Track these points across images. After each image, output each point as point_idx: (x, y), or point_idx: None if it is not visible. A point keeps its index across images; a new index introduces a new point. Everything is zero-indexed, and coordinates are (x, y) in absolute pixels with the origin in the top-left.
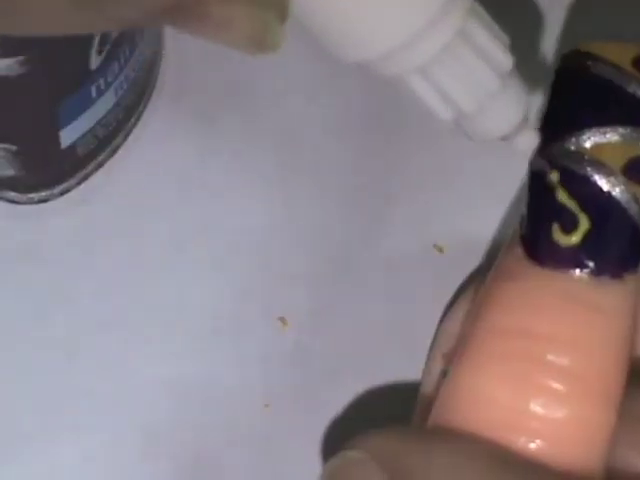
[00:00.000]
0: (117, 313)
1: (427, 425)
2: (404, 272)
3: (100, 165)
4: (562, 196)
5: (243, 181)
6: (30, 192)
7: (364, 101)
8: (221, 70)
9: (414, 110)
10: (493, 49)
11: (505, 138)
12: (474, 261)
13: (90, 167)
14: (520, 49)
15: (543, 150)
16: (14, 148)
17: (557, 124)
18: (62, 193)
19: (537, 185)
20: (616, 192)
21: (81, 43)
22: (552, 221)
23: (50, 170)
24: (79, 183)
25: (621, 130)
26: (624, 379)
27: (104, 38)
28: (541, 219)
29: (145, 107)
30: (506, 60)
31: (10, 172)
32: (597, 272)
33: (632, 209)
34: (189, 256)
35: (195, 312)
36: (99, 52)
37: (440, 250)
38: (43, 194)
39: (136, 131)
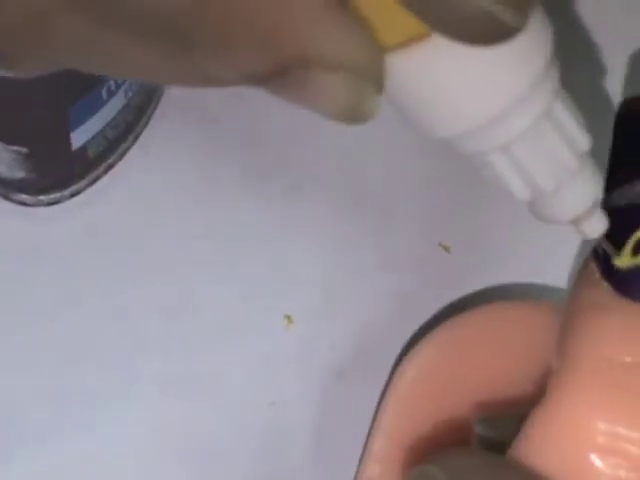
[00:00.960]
0: (118, 313)
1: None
2: (410, 271)
3: (110, 167)
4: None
5: (244, 181)
6: (40, 194)
7: None
8: None
9: None
10: (575, 130)
11: (575, 221)
12: (480, 260)
13: (100, 169)
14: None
15: (610, 195)
16: (25, 150)
17: (622, 168)
18: (72, 195)
19: (618, 222)
20: None
21: None
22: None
23: (60, 172)
24: (89, 185)
25: None
26: None
27: None
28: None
29: (154, 109)
30: (585, 141)
31: (21, 174)
32: None
33: None
34: (193, 255)
35: (200, 310)
36: None
37: (446, 249)
38: (53, 196)
39: (145, 133)
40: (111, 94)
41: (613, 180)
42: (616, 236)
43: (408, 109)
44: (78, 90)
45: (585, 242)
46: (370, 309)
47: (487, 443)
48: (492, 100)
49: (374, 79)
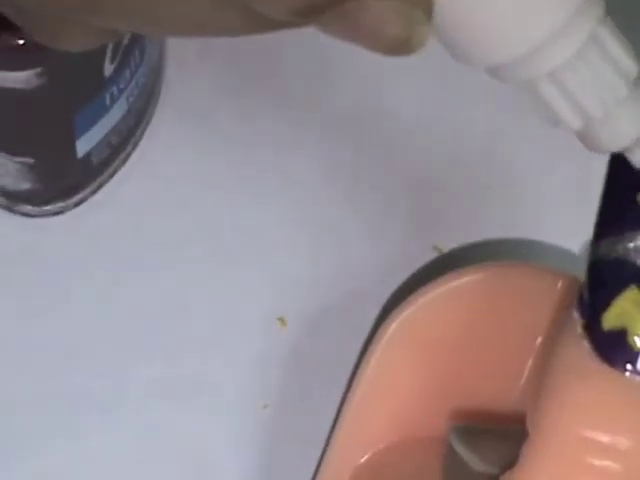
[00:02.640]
0: (117, 314)
1: None
2: (403, 275)
3: (113, 173)
4: (634, 295)
5: (243, 182)
6: (46, 204)
7: (364, 102)
8: (222, 71)
9: (413, 111)
10: (622, 56)
11: (627, 149)
12: (473, 262)
13: (104, 176)
14: None
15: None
16: (31, 161)
17: (613, 216)
18: (77, 204)
19: (605, 277)
20: None
21: (95, 51)
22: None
23: (66, 181)
24: (93, 193)
25: None
26: None
27: (117, 45)
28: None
29: (153, 112)
30: (633, 67)
31: (26, 185)
32: None
33: None
34: (188, 257)
35: (194, 313)
36: (112, 59)
37: (440, 251)
38: (58, 205)
39: (145, 137)
40: (114, 100)
41: (603, 227)
42: (601, 293)
43: (456, 39)
44: (83, 98)
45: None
46: (364, 312)
47: (455, 457)
48: (538, 26)
49: (424, 6)
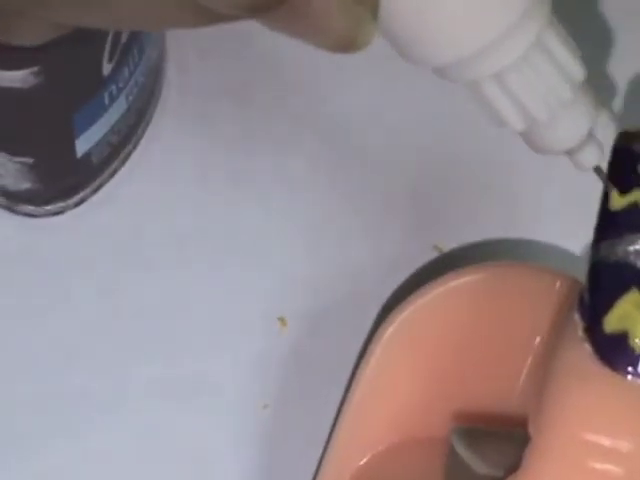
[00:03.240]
0: (117, 314)
1: None
2: (404, 275)
3: (113, 173)
4: (636, 298)
5: (243, 182)
6: (46, 204)
7: (364, 102)
8: (222, 71)
9: (413, 112)
10: (568, 59)
11: (570, 152)
12: (473, 262)
13: (104, 175)
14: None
15: (598, 246)
16: (31, 161)
17: (612, 218)
18: (77, 204)
19: (606, 280)
20: None
21: (93, 50)
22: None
23: (66, 181)
24: (94, 192)
25: None
26: None
27: (114, 44)
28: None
29: (153, 112)
30: (579, 71)
31: (26, 185)
32: None
33: None
34: (189, 257)
35: (194, 313)
36: (110, 58)
37: (440, 251)
38: (59, 205)
39: (145, 137)
40: (113, 99)
41: (602, 229)
42: (602, 295)
43: (402, 39)
44: (81, 97)
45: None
46: (365, 311)
47: (457, 459)
48: (484, 28)
49: (370, 4)
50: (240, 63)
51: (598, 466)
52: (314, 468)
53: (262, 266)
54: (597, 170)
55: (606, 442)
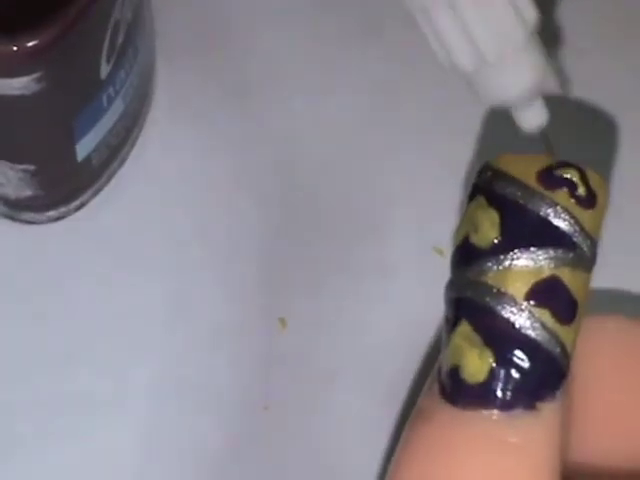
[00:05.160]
0: (117, 314)
1: None
2: (403, 275)
3: (112, 175)
4: (466, 330)
5: (243, 181)
6: (48, 210)
7: (363, 101)
8: (216, 72)
9: (414, 115)
10: (525, 2)
11: (515, 106)
12: None
13: (103, 178)
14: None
15: (452, 281)
16: (32, 168)
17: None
18: (78, 208)
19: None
20: (519, 320)
21: (92, 51)
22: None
23: (67, 186)
24: (94, 195)
25: (524, 255)
26: None
27: (112, 45)
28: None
29: (147, 113)
30: (533, 15)
31: (27, 193)
32: (507, 407)
33: (539, 336)
34: (189, 257)
35: (195, 313)
36: (108, 60)
37: (440, 253)
38: (60, 211)
39: (140, 137)
40: (111, 101)
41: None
42: (445, 332)
43: None
44: (81, 100)
45: None
46: (363, 312)
47: None
48: None
49: None
50: (231, 61)
51: None
52: (313, 470)
53: (261, 266)
54: (542, 134)
55: (444, 473)
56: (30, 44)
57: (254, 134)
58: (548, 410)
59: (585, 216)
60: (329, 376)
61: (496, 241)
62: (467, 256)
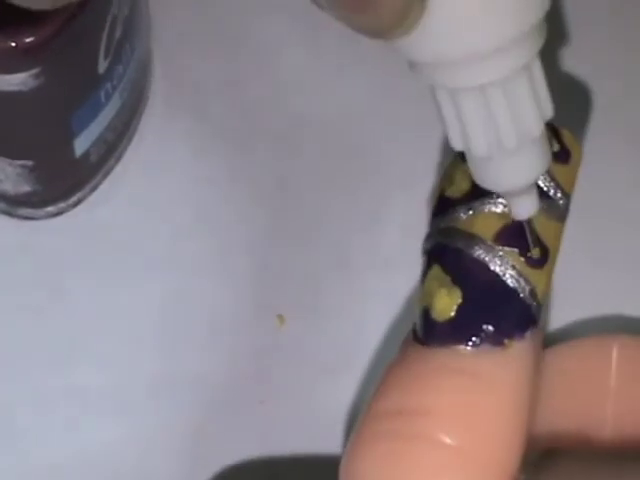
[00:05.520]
0: (115, 309)
1: None
2: (403, 272)
3: (109, 171)
4: (436, 272)
5: (240, 177)
6: (46, 206)
7: (363, 100)
8: (212, 67)
9: (412, 112)
10: (545, 95)
11: (512, 193)
12: None
13: (101, 174)
14: None
15: (427, 233)
16: (31, 163)
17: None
18: (76, 204)
19: (423, 266)
20: (487, 259)
21: (90, 46)
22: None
23: (65, 181)
24: (92, 191)
25: (494, 201)
26: (517, 448)
27: (109, 41)
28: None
29: (144, 108)
30: (550, 108)
31: (26, 188)
32: (475, 342)
33: (507, 275)
34: (187, 252)
35: (193, 311)
36: (105, 56)
37: None
38: (58, 206)
39: (137, 133)
40: (109, 96)
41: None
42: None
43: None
44: (79, 96)
45: None
46: (361, 308)
47: None
48: (487, 35)
49: None
50: (228, 57)
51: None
52: (309, 464)
53: (260, 263)
54: (528, 222)
55: (412, 403)
56: (28, 40)
57: (251, 129)
58: (517, 349)
59: (559, 170)
60: (327, 371)
61: (468, 190)
62: (441, 207)
